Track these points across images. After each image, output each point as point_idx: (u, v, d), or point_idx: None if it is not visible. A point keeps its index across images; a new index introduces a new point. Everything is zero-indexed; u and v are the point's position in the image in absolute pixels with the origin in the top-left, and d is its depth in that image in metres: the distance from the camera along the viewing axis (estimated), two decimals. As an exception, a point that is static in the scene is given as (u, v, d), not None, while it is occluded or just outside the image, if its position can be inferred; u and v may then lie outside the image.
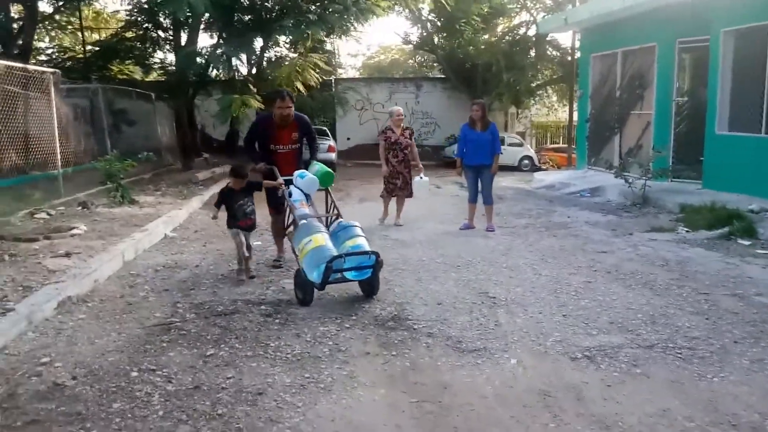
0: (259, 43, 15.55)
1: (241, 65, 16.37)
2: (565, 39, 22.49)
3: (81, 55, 18.10)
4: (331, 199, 5.65)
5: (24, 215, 7.27)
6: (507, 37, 23.67)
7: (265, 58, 16.96)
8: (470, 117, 7.83)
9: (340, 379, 3.33)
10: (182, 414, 2.94)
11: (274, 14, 15.24)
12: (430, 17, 22.98)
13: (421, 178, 8.15)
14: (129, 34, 17.48)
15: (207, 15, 14.09)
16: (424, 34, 23.78)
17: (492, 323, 4.23)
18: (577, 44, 17.49)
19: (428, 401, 3.10)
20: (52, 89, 8.85)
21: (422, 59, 29.24)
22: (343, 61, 29.50)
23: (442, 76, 24.63)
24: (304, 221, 4.96)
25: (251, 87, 14.62)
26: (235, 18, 15.28)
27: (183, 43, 15.64)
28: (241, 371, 3.41)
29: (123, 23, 18.05)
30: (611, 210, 9.49)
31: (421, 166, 8.29)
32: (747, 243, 6.77)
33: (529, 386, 3.27)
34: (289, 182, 5.44)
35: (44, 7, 17.76)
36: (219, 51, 14.38)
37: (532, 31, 22.82)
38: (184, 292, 4.94)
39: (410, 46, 26.71)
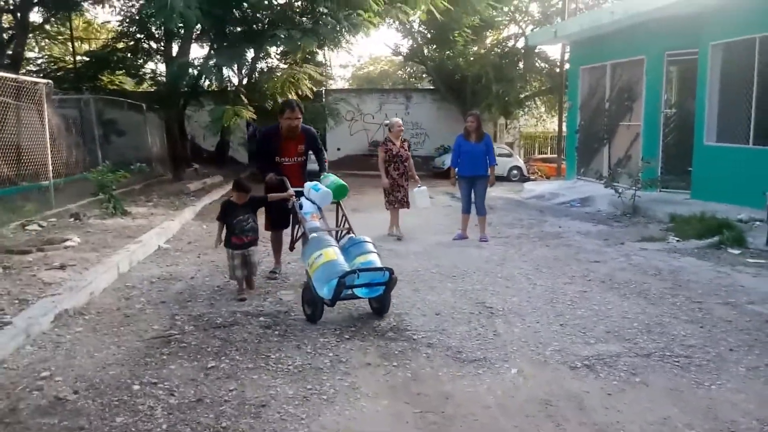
0: (250, 54, 15.62)
1: (233, 76, 16.46)
2: (554, 51, 22.68)
3: (72, 66, 18.03)
4: (343, 213, 5.35)
5: (15, 227, 7.18)
6: (496, 49, 23.91)
7: (257, 69, 17.01)
8: (465, 128, 7.92)
9: (343, 391, 3.34)
10: (186, 427, 2.93)
11: (265, 26, 15.31)
12: (420, 29, 23.16)
13: (419, 187, 8.21)
14: (120, 45, 17.46)
15: (199, 26, 14.11)
16: (414, 45, 23.97)
17: (491, 333, 4.26)
18: (567, 57, 17.71)
19: (431, 412, 3.11)
20: (45, 100, 8.81)
21: (412, 70, 29.44)
22: (333, 72, 29.57)
23: (432, 87, 24.82)
24: (315, 234, 4.76)
25: (243, 98, 14.64)
26: (227, 29, 15.32)
27: (174, 53, 15.63)
28: (243, 383, 3.41)
29: (114, 34, 18.02)
30: (602, 220, 9.59)
31: (417, 177, 8.36)
32: (737, 252, 6.88)
33: (530, 396, 3.29)
34: (299, 194, 5.24)
35: (35, 17, 17.75)
36: (211, 62, 14.41)
37: (520, 44, 23.11)
38: (181, 304, 4.92)
39: (400, 57, 26.89)
